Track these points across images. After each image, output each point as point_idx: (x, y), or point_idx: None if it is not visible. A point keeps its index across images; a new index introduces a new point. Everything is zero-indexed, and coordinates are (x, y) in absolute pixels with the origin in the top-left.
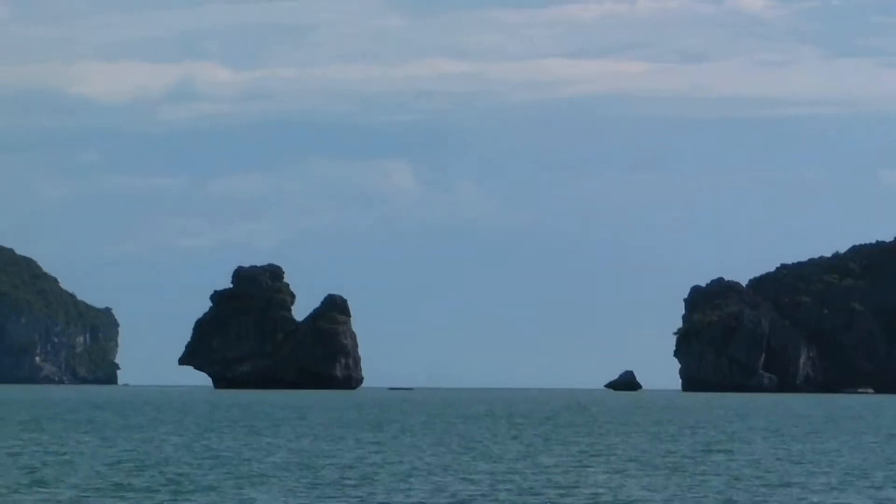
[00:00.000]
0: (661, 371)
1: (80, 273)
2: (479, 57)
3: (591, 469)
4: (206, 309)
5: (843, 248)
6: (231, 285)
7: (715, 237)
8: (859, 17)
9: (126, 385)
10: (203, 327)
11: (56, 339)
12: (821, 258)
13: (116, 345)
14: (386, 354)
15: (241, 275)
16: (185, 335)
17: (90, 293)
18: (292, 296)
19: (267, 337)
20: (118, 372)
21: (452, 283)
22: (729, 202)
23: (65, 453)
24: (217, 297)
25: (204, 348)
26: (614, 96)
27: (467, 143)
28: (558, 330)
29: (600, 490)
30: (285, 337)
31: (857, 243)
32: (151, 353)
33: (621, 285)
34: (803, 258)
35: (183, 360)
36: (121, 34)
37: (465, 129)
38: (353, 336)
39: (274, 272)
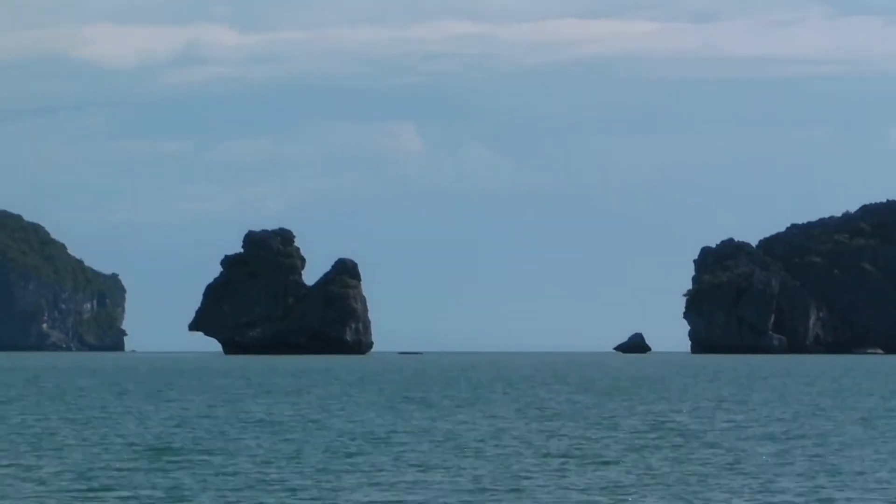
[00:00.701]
0: (671, 333)
1: (87, 239)
2: (487, 18)
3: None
4: (214, 274)
5: (853, 208)
6: (241, 250)
7: (725, 197)
8: None
9: (133, 351)
10: (213, 292)
11: (63, 306)
12: (831, 218)
13: (123, 311)
14: (394, 318)
15: (251, 239)
16: (192, 300)
17: (97, 259)
18: (303, 260)
19: (278, 301)
20: (125, 338)
21: (460, 247)
22: (739, 162)
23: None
24: (227, 261)
25: (214, 313)
26: (624, 57)
27: (476, 105)
28: (567, 292)
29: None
30: (296, 301)
31: (867, 202)
32: (159, 319)
33: (630, 247)
34: (813, 218)
35: (193, 326)
36: None
37: (473, 91)
38: (363, 300)
39: (284, 236)
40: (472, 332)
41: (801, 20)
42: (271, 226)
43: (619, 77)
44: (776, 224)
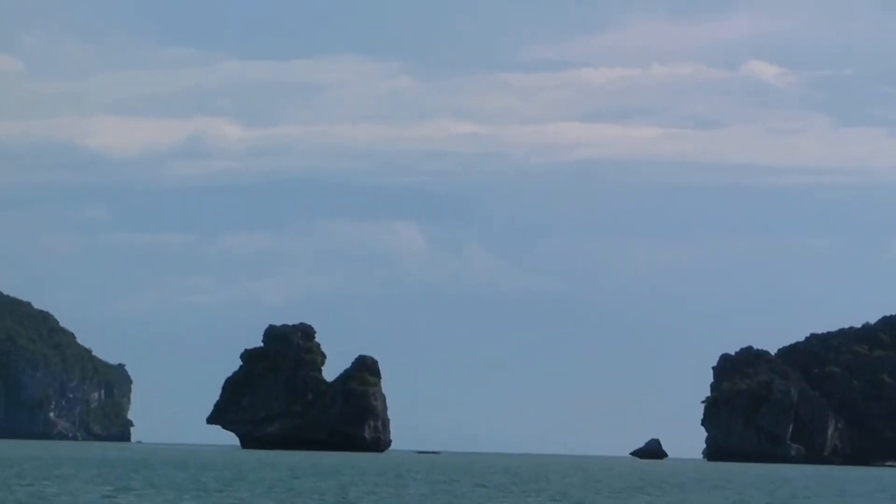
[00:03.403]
0: (687, 440)
1: (92, 328)
2: (489, 119)
3: None
4: (216, 366)
5: (873, 319)
6: (261, 343)
7: (740, 305)
8: (871, 87)
9: (139, 442)
10: (232, 385)
11: (71, 395)
12: (850, 328)
13: (129, 401)
14: (407, 417)
15: (272, 333)
16: (197, 392)
17: (102, 349)
18: (323, 356)
19: (297, 397)
20: (132, 429)
21: (468, 348)
22: (749, 269)
23: None
24: (247, 355)
25: (233, 407)
26: (625, 161)
27: (476, 205)
28: (584, 396)
29: None
30: (315, 397)
31: (887, 314)
32: (163, 411)
33: (647, 353)
34: (833, 328)
35: (211, 419)
36: (131, 90)
37: (474, 191)
38: (382, 398)
39: (305, 331)
40: (488, 433)
41: (802, 129)
42: (268, 321)
43: (621, 181)
44: (795, 333)
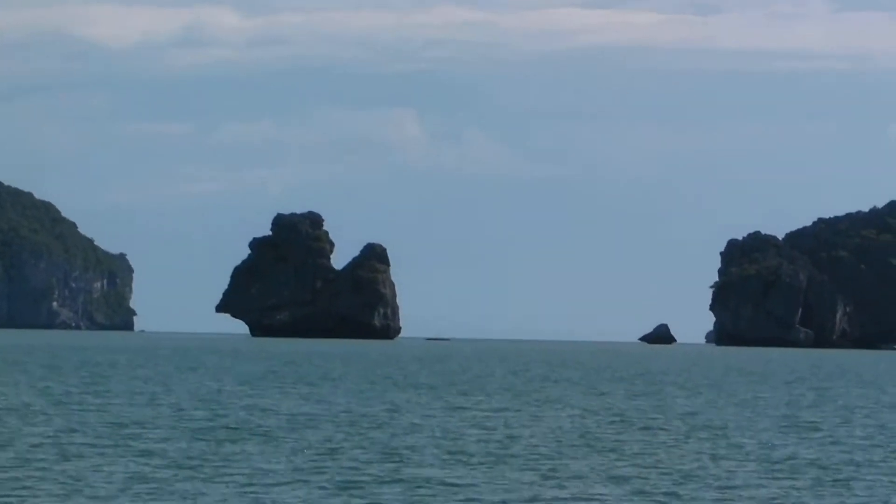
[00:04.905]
0: (695, 325)
1: (93, 218)
2: (489, 6)
3: None
4: (217, 255)
5: (880, 203)
6: (270, 232)
7: (748, 190)
8: None
9: (143, 332)
10: (241, 274)
11: (74, 285)
12: (858, 213)
13: (131, 291)
14: (415, 304)
15: (280, 222)
16: (198, 281)
17: (104, 239)
18: (332, 244)
19: (306, 285)
20: (135, 318)
21: (474, 236)
22: (755, 155)
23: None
24: (256, 244)
25: (242, 295)
26: (625, 47)
27: (476, 92)
28: (591, 283)
29: None
30: (324, 285)
31: (894, 198)
32: (165, 300)
33: (654, 239)
34: (840, 213)
35: (220, 308)
36: None
37: (474, 78)
38: (392, 285)
39: (314, 220)
40: (497, 320)
41: (803, 14)
42: (269, 209)
43: (621, 67)
44: (802, 218)
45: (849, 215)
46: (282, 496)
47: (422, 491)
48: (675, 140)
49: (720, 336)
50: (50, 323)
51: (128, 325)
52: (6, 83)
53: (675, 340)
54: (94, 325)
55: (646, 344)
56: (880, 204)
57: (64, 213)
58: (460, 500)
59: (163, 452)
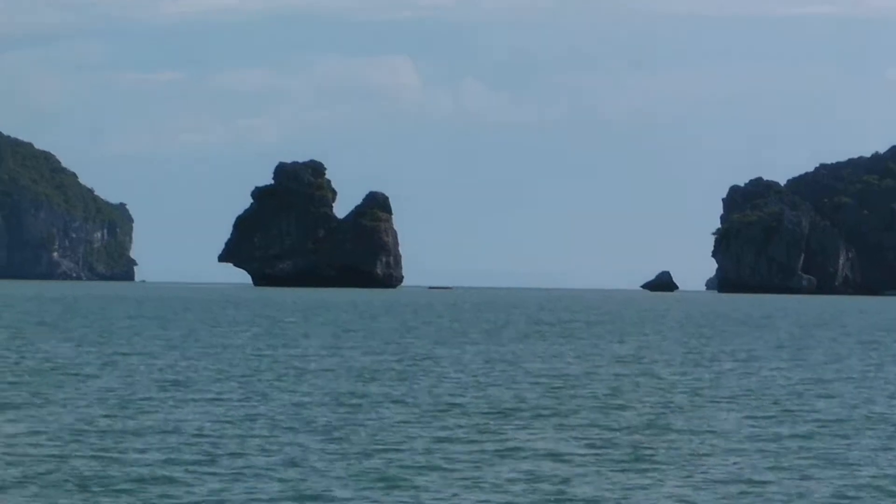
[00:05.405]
0: (697, 272)
1: (90, 168)
2: None
3: None
4: (216, 204)
5: (882, 148)
6: (272, 181)
7: (748, 135)
8: None
9: (144, 282)
10: (243, 223)
11: (74, 235)
12: (860, 158)
13: (131, 241)
14: (417, 251)
15: (282, 170)
16: (197, 230)
17: (103, 189)
18: (334, 192)
19: (308, 234)
20: (135, 268)
21: (475, 183)
22: (755, 100)
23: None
24: (258, 193)
25: (244, 245)
26: None
27: (472, 39)
28: (594, 230)
29: None
30: (327, 234)
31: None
32: (164, 250)
33: (654, 185)
34: (842, 158)
35: (223, 257)
36: None
37: (469, 24)
38: (394, 234)
39: (315, 168)
40: (499, 268)
41: None
42: (266, 157)
43: (620, 10)
44: (804, 164)
45: (850, 160)
46: None
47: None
48: (675, 85)
49: (722, 283)
50: (50, 273)
51: (129, 276)
52: (3, 33)
53: (677, 288)
54: (95, 276)
55: (647, 291)
56: (882, 149)
57: (64, 164)
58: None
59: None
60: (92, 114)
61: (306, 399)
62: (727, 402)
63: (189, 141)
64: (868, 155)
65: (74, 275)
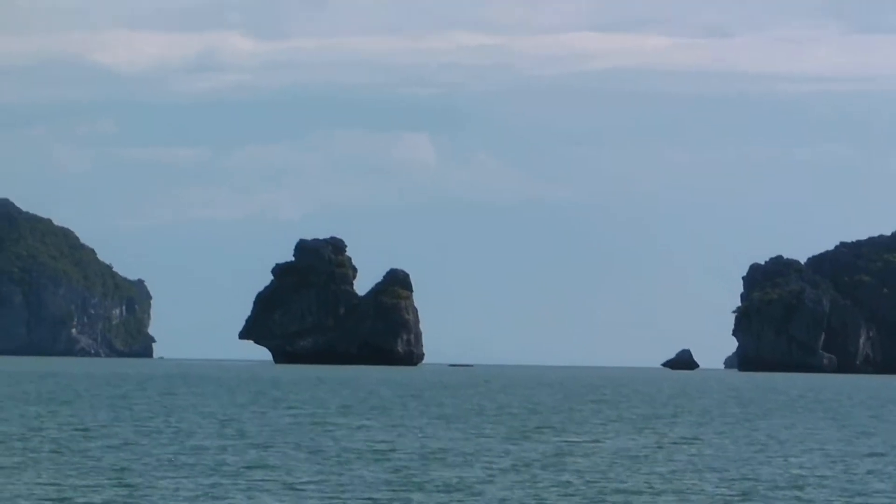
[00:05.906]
0: (717, 350)
1: (109, 244)
2: (501, 30)
3: None
4: (236, 280)
5: None
6: (292, 258)
7: (768, 215)
8: None
9: (162, 358)
10: (263, 300)
11: (93, 311)
12: (880, 236)
13: (150, 317)
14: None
15: (303, 247)
16: (217, 307)
17: (122, 265)
18: (354, 270)
19: (329, 311)
20: (153, 345)
21: (493, 261)
22: (773, 180)
23: None
24: (278, 270)
25: (265, 321)
26: (638, 71)
27: (489, 116)
28: (614, 308)
29: None
30: (347, 311)
31: None
32: (183, 326)
33: (673, 264)
34: (862, 236)
35: (243, 334)
36: (142, 3)
37: (487, 102)
38: (414, 311)
39: (336, 245)
40: (520, 346)
41: (816, 38)
42: (286, 235)
43: (634, 91)
44: (825, 242)
45: (870, 239)
46: None
47: None
48: (693, 164)
49: (742, 361)
50: (69, 350)
51: (147, 352)
52: (22, 109)
53: (697, 366)
54: (113, 353)
55: (668, 369)
56: None
57: (82, 240)
58: None
59: None
60: (111, 189)
61: None
62: None
63: (208, 217)
64: (888, 233)
65: (93, 351)
